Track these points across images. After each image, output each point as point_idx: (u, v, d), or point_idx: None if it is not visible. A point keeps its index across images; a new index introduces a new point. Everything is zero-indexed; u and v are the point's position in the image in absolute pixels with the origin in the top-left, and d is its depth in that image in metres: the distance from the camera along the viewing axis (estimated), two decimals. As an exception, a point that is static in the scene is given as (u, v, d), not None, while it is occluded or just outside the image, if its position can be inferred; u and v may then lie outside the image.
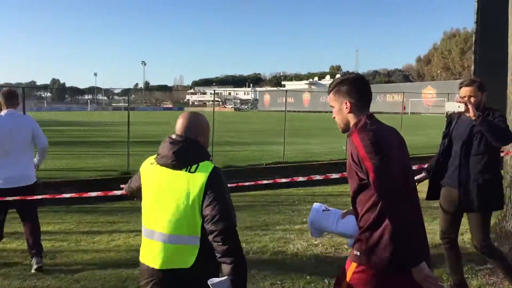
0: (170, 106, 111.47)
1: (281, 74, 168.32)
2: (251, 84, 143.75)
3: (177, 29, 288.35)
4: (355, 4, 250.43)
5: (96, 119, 19.24)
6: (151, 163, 2.45)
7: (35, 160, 5.17)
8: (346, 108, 2.38)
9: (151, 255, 2.33)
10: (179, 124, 2.44)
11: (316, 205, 2.74)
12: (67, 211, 8.10)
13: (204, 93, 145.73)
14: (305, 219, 5.94)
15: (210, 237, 2.23)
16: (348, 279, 2.34)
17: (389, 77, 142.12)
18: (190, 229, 2.27)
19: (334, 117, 2.47)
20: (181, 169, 2.31)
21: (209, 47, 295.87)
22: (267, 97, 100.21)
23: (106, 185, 9.87)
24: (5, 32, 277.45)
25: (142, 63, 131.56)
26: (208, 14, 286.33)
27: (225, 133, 19.63)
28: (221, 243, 2.21)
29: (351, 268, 2.34)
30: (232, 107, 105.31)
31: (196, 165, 2.32)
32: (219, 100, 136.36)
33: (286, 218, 7.21)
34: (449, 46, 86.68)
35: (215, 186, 2.28)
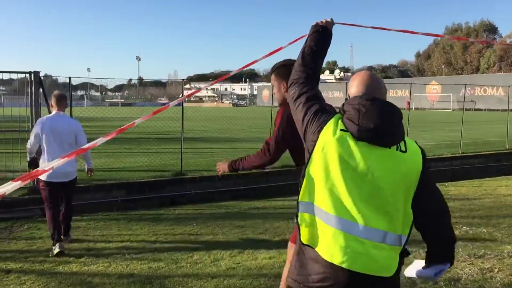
0: (166, 101, 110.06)
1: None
2: (247, 80, 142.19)
3: (170, 23, 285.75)
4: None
5: (103, 114, 18.01)
6: (342, 129, 1.83)
7: (86, 164, 5.70)
8: (283, 88, 2.88)
9: (345, 253, 1.74)
10: (369, 82, 1.92)
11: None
12: (129, 218, 7.04)
13: (200, 89, 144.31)
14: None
15: (429, 229, 1.89)
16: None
17: (384, 72, 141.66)
18: (402, 225, 1.80)
19: (273, 93, 3.01)
20: (390, 147, 1.80)
21: (202, 42, 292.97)
22: (266, 92, 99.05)
23: (161, 187, 8.85)
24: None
25: (136, 58, 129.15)
26: (201, 8, 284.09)
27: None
28: (446, 234, 1.90)
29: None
30: (230, 103, 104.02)
31: (403, 141, 1.85)
32: (215, 95, 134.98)
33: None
34: (451, 41, 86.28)
35: (427, 168, 1.87)
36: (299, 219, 1.87)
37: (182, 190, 8.90)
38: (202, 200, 8.70)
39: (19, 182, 1.78)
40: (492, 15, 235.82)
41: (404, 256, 1.83)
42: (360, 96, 1.87)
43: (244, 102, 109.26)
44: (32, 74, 7.75)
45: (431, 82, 68.12)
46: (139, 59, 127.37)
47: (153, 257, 5.04)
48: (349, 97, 1.96)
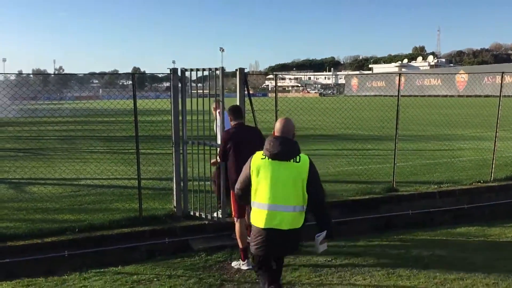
0: (251, 92, 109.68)
1: (360, 57, 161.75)
2: (331, 69, 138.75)
3: (252, 14, 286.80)
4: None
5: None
6: (262, 158, 3.61)
7: None
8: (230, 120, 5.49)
9: (273, 221, 3.52)
10: (280, 127, 3.68)
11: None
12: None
13: (283, 79, 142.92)
14: None
15: (313, 202, 3.57)
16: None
17: (475, 57, 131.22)
18: (300, 201, 3.53)
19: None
20: (289, 160, 3.54)
21: (282, 31, 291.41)
22: (354, 81, 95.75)
23: (374, 208, 7.36)
24: (91, 24, 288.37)
25: (220, 50, 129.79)
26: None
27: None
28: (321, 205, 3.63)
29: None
30: (316, 92, 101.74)
31: (298, 156, 3.56)
32: (299, 85, 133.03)
33: None
34: None
35: (314, 170, 3.59)
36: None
37: (398, 210, 7.35)
38: (418, 223, 7.14)
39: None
40: None
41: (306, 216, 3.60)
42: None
43: (330, 91, 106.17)
44: (238, 71, 6.78)
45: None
46: (223, 50, 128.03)
47: None
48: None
